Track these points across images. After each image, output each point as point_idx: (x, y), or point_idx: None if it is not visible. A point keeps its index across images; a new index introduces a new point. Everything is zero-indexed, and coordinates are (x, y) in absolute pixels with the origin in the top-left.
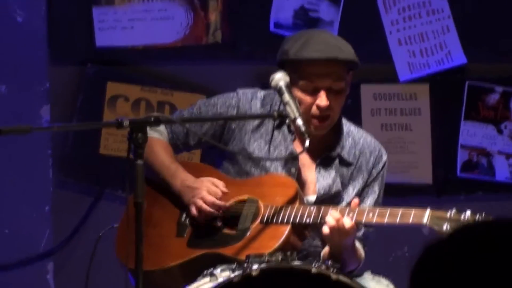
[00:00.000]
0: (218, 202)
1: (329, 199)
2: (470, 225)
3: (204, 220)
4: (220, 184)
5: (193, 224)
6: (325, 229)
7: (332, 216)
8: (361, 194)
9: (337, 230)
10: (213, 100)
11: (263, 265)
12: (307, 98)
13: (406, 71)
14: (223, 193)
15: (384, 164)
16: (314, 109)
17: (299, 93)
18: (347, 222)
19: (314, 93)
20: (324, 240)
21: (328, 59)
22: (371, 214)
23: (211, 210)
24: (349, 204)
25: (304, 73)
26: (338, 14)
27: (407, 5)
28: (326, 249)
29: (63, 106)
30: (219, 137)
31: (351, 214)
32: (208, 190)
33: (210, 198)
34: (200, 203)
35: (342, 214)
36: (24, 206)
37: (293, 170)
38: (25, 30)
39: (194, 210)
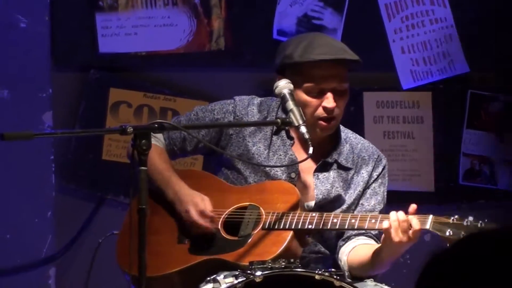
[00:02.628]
0: (205, 223)
1: (329, 203)
2: (475, 234)
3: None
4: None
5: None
6: (395, 234)
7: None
8: (362, 196)
9: (405, 232)
10: (210, 107)
11: (266, 272)
12: (313, 101)
13: (409, 79)
14: (222, 200)
15: (384, 167)
16: (320, 111)
17: (304, 96)
18: (416, 223)
19: (319, 95)
20: (384, 241)
21: (337, 60)
22: (373, 220)
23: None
24: (349, 206)
25: (309, 76)
26: (341, 22)
27: (410, 13)
28: (371, 250)
29: (66, 112)
30: (216, 143)
31: (353, 221)
32: (195, 207)
33: (200, 221)
34: (192, 219)
35: (344, 220)
36: (27, 212)
37: (293, 175)
38: (28, 36)
39: (188, 224)
